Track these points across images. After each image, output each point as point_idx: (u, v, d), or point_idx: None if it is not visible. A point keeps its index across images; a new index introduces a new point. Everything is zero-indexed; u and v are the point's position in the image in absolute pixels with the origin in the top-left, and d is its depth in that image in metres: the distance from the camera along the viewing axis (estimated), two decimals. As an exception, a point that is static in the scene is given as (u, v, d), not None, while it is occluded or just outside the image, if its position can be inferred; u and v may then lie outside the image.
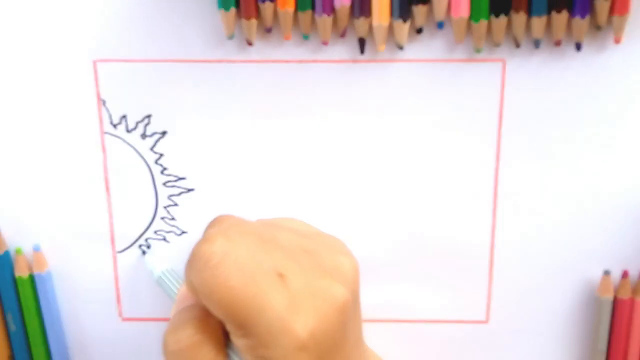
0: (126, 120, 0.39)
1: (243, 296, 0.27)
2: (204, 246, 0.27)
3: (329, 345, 0.28)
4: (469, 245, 0.40)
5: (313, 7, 0.35)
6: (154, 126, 0.39)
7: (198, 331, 0.28)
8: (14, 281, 0.40)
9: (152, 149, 0.39)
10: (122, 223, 0.40)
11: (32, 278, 0.41)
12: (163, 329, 0.41)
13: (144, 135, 0.39)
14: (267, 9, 0.35)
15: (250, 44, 0.37)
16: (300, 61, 0.37)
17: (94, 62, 0.38)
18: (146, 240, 0.41)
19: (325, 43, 0.36)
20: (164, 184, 0.40)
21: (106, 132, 0.39)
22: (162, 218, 0.40)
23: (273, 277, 0.28)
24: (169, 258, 0.41)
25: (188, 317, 0.29)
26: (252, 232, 0.29)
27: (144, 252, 0.40)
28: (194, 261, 0.27)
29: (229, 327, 0.28)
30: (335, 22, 0.36)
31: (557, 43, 0.36)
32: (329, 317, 0.28)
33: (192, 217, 0.40)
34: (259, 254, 0.28)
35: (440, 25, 0.36)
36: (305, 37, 0.36)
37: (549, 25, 0.35)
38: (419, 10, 0.35)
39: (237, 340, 0.28)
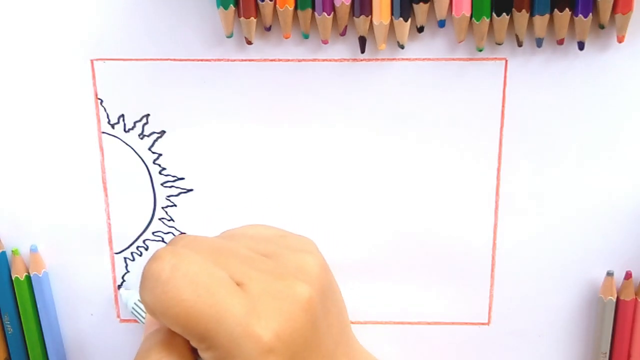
0: (124, 120, 0.38)
1: (198, 308, 0.26)
2: (152, 265, 0.27)
3: (299, 346, 0.27)
4: (471, 247, 0.40)
5: (313, 6, 0.35)
6: (152, 126, 0.38)
7: (164, 355, 0.28)
8: (11, 282, 0.40)
9: (150, 148, 0.39)
10: (119, 224, 0.40)
11: (29, 279, 0.40)
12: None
13: (142, 135, 0.39)
14: (266, 7, 0.35)
15: (249, 43, 0.36)
16: (300, 60, 0.37)
17: (92, 61, 0.37)
18: (144, 241, 0.40)
19: (325, 42, 0.36)
20: (163, 184, 0.39)
21: (104, 132, 0.39)
22: (161, 219, 0.40)
23: (229, 286, 0.27)
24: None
25: (153, 342, 0.29)
26: (205, 245, 0.29)
27: (119, 287, 0.41)
28: (145, 281, 0.27)
29: (192, 342, 0.27)
30: (335, 20, 0.36)
31: (560, 42, 0.36)
32: (294, 317, 0.27)
33: (191, 218, 0.40)
34: (211, 266, 0.28)
35: (441, 23, 0.35)
36: (305, 36, 0.36)
37: (551, 24, 0.35)
38: (420, 9, 0.35)
39: (203, 354, 0.27)
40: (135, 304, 0.36)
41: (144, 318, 0.36)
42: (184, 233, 0.40)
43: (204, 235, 0.31)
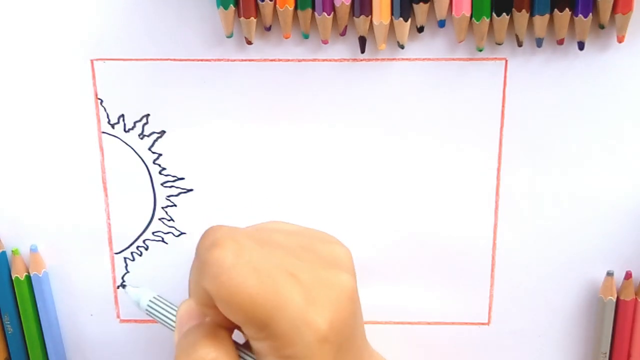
0: (124, 120, 0.38)
1: (263, 296, 0.27)
2: (215, 251, 0.27)
3: (345, 335, 0.28)
4: (471, 247, 0.40)
5: (313, 6, 0.35)
6: (152, 126, 0.38)
7: (212, 349, 0.28)
8: (11, 282, 0.40)
9: (150, 148, 0.39)
10: (119, 224, 0.40)
11: (29, 279, 0.40)
12: (161, 331, 0.42)
13: (142, 135, 0.39)
14: (266, 7, 0.35)
15: (249, 43, 0.36)
16: (300, 60, 0.37)
17: (92, 61, 0.37)
18: (144, 241, 0.40)
19: (325, 42, 0.36)
20: (163, 184, 0.39)
21: (104, 132, 0.39)
22: (161, 219, 0.40)
23: (287, 274, 0.28)
24: (168, 260, 0.40)
25: (199, 336, 0.29)
26: (252, 236, 0.29)
27: (122, 286, 0.40)
28: (207, 268, 0.27)
29: (249, 331, 0.27)
30: (335, 20, 0.36)
31: (560, 42, 0.36)
32: (343, 306, 0.28)
33: (191, 218, 0.40)
34: (268, 254, 0.28)
35: (441, 23, 0.35)
36: (305, 36, 0.36)
37: (551, 24, 0.35)
38: (420, 9, 0.35)
39: (258, 344, 0.28)
40: (150, 301, 0.35)
41: (163, 315, 0.35)
42: (184, 233, 0.40)
43: (239, 227, 0.31)
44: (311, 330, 0.27)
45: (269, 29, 0.36)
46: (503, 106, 0.37)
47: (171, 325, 0.35)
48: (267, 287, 0.27)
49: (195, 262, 0.29)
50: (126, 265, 0.41)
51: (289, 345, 0.27)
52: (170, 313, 0.35)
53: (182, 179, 0.39)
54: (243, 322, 0.27)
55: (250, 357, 0.30)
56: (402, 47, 0.36)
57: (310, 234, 0.32)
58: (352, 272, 0.31)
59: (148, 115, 0.38)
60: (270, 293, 0.27)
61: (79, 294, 0.41)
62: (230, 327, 0.30)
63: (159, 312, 0.35)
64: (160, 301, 0.35)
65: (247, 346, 0.30)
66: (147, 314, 0.36)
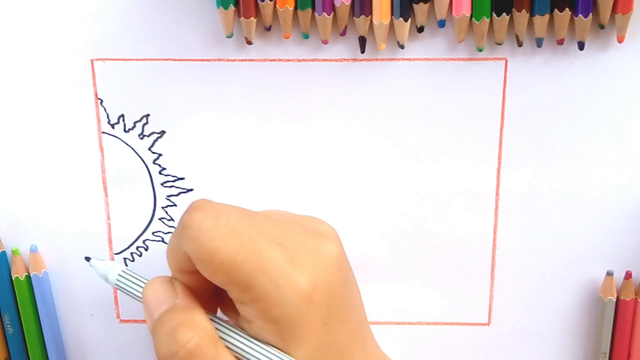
0: (124, 120, 0.38)
1: (243, 255, 0.27)
2: (193, 214, 0.27)
3: (334, 300, 0.28)
4: (471, 247, 0.40)
5: (313, 6, 0.35)
6: (152, 126, 0.38)
7: (193, 333, 0.27)
8: (11, 282, 0.40)
9: (150, 148, 0.39)
10: (119, 224, 0.40)
11: (29, 279, 0.40)
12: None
13: (142, 135, 0.39)
14: (266, 7, 0.35)
15: (249, 43, 0.36)
16: (300, 60, 0.37)
17: (92, 61, 0.37)
18: (144, 242, 0.40)
19: (325, 42, 0.36)
20: (163, 184, 0.39)
21: (104, 132, 0.39)
22: (161, 219, 0.40)
23: (269, 237, 0.28)
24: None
25: (175, 322, 0.28)
26: (236, 207, 0.29)
27: (87, 259, 0.36)
28: (187, 230, 0.27)
29: (234, 294, 0.27)
30: (335, 20, 0.36)
31: (560, 42, 0.36)
32: (328, 271, 0.28)
33: (191, 218, 0.40)
34: (248, 218, 0.28)
35: (441, 23, 0.35)
36: (305, 36, 0.36)
37: (551, 24, 0.35)
38: (420, 9, 0.35)
39: (244, 309, 0.27)
40: (120, 275, 0.33)
41: (133, 289, 0.34)
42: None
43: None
44: (294, 289, 0.27)
45: (269, 29, 0.36)
46: (503, 106, 0.37)
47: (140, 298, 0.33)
48: (248, 247, 0.27)
49: (176, 229, 0.29)
50: (126, 266, 0.41)
51: (273, 306, 0.27)
52: (141, 286, 0.33)
53: (182, 179, 0.39)
54: (226, 284, 0.27)
55: (230, 329, 0.29)
56: (402, 47, 0.36)
57: (300, 217, 0.33)
58: (338, 243, 0.30)
59: (148, 115, 0.38)
60: (251, 253, 0.27)
61: (79, 294, 0.41)
62: (206, 293, 0.30)
63: (129, 286, 0.33)
64: (129, 274, 0.34)
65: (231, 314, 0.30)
66: (116, 287, 0.34)
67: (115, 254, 0.41)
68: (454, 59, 0.37)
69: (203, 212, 0.27)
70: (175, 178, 0.39)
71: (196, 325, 0.28)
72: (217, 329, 0.29)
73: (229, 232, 0.27)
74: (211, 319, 0.29)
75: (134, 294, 0.33)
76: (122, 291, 0.34)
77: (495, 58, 0.37)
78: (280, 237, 0.28)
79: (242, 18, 0.35)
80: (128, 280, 0.33)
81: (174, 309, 0.29)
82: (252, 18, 0.35)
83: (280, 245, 0.28)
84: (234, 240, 0.27)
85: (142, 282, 0.33)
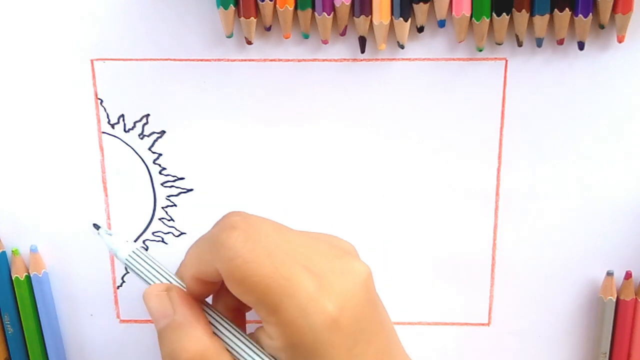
0: (124, 120, 0.38)
1: (276, 280, 0.27)
2: (231, 233, 0.28)
3: (361, 322, 0.28)
4: (471, 247, 0.40)
5: (313, 6, 0.35)
6: (152, 126, 0.38)
7: (198, 354, 0.28)
8: (11, 282, 0.40)
9: (150, 148, 0.39)
10: (119, 224, 0.40)
11: (29, 279, 0.40)
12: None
13: (142, 135, 0.39)
14: (266, 7, 0.35)
15: (249, 43, 0.36)
16: (300, 60, 0.37)
17: (92, 61, 0.37)
18: (144, 242, 0.40)
19: (325, 42, 0.36)
20: (163, 184, 0.39)
21: (104, 132, 0.39)
22: (161, 219, 0.40)
23: (300, 261, 0.28)
24: (168, 260, 0.40)
25: (179, 342, 0.29)
26: (269, 223, 0.30)
27: (96, 227, 0.36)
28: (222, 250, 0.27)
29: (260, 313, 0.28)
30: (335, 20, 0.36)
31: (560, 42, 0.36)
32: (356, 292, 0.28)
33: (191, 218, 0.40)
34: (282, 241, 0.29)
35: (441, 23, 0.35)
36: (305, 36, 0.36)
37: (551, 24, 0.35)
38: (420, 9, 0.35)
39: (269, 328, 0.28)
40: (129, 256, 0.34)
41: (141, 272, 0.33)
42: (184, 233, 0.40)
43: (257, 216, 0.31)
44: (320, 315, 0.27)
45: (269, 29, 0.36)
46: (503, 106, 0.37)
47: (150, 281, 0.33)
48: (281, 272, 0.27)
49: (208, 241, 0.29)
50: (126, 267, 0.41)
51: (298, 332, 0.27)
52: (150, 271, 0.33)
53: (182, 179, 0.39)
54: (254, 304, 0.27)
55: (240, 338, 0.30)
56: (402, 47, 0.36)
57: (314, 232, 0.33)
58: (365, 263, 0.31)
59: (148, 115, 0.38)
60: (283, 278, 0.27)
61: (79, 294, 0.41)
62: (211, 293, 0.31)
63: (139, 267, 0.34)
64: (140, 256, 0.34)
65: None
66: (125, 265, 0.34)
67: (115, 254, 0.41)
68: (454, 59, 0.37)
69: (240, 232, 0.27)
70: (175, 178, 0.39)
71: (192, 347, 0.28)
72: (224, 336, 0.30)
73: (265, 255, 0.27)
74: (220, 326, 0.30)
75: (143, 275, 0.33)
76: (131, 270, 0.34)
77: (495, 58, 0.37)
78: (310, 258, 0.29)
79: (242, 18, 0.35)
80: (137, 262, 0.33)
81: (171, 328, 0.29)
82: (252, 18, 0.35)
83: (310, 268, 0.28)
84: (269, 265, 0.27)
85: (151, 270, 0.33)
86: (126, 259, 0.34)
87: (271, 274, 0.27)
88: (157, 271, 0.33)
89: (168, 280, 0.32)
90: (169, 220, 0.40)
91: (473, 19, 0.35)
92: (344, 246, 0.32)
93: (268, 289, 0.27)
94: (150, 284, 0.33)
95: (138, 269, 0.33)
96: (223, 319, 0.30)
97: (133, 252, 0.34)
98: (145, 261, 0.33)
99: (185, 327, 0.29)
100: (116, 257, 0.34)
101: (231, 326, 0.30)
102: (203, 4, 0.36)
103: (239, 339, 0.30)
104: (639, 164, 0.38)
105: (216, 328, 0.30)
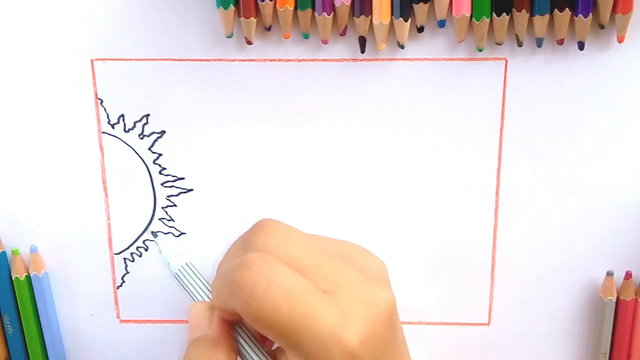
0: (124, 120, 0.38)
1: (294, 319, 0.27)
2: (246, 274, 0.27)
3: (380, 351, 0.28)
4: (471, 247, 0.40)
5: (313, 6, 0.35)
6: (152, 126, 0.38)
7: None
8: (11, 282, 0.40)
9: (150, 148, 0.39)
10: (119, 224, 0.40)
11: (29, 279, 0.40)
12: (161, 331, 0.42)
13: (142, 135, 0.39)
14: (266, 7, 0.35)
15: (249, 43, 0.36)
16: (300, 60, 0.37)
17: (92, 61, 0.37)
18: (144, 242, 0.40)
19: (325, 42, 0.36)
20: (163, 184, 0.39)
21: (104, 132, 0.39)
22: (161, 219, 0.40)
23: (320, 295, 0.28)
24: (167, 260, 0.40)
25: (197, 354, 0.30)
26: (299, 246, 0.30)
27: (154, 235, 0.39)
28: (237, 291, 0.28)
29: (281, 346, 0.28)
30: (335, 20, 0.36)
31: (560, 42, 0.36)
32: (379, 323, 0.28)
33: (191, 218, 0.40)
34: (301, 272, 0.28)
35: (441, 23, 0.35)
36: (305, 36, 0.36)
37: (551, 24, 0.35)
38: (420, 9, 0.35)
39: (291, 356, 0.28)
40: (179, 270, 0.36)
41: (189, 284, 0.35)
42: (184, 233, 0.40)
43: (292, 228, 0.31)
44: (341, 347, 0.27)
45: (269, 29, 0.36)
46: (503, 106, 0.37)
47: (194, 297, 0.35)
48: (299, 311, 0.27)
49: (224, 278, 0.29)
50: (126, 266, 0.41)
51: None
52: (198, 285, 0.35)
53: (182, 179, 0.39)
54: (274, 339, 0.28)
55: (258, 353, 0.30)
56: (402, 47, 0.36)
57: (346, 244, 0.33)
58: (389, 286, 0.31)
59: (148, 115, 0.38)
60: (301, 316, 0.27)
61: (79, 294, 0.41)
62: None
63: (187, 281, 0.36)
64: (191, 269, 0.36)
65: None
66: (174, 277, 0.36)
67: (115, 254, 0.41)
68: (454, 59, 0.37)
69: (254, 272, 0.27)
70: (175, 178, 0.39)
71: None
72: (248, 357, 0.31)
73: (280, 296, 0.27)
74: (247, 348, 0.30)
75: (189, 290, 0.36)
76: (179, 282, 0.36)
77: (495, 58, 0.37)
78: (335, 283, 0.28)
79: (242, 18, 0.35)
80: (188, 274, 0.36)
81: (201, 341, 0.30)
82: (252, 18, 0.35)
83: (332, 296, 0.28)
84: (284, 305, 0.27)
85: (198, 285, 0.35)
86: (176, 273, 0.36)
87: (288, 313, 0.27)
88: (201, 288, 0.35)
89: (209, 298, 0.34)
90: (169, 220, 0.40)
91: (473, 19, 0.35)
92: (373, 269, 0.31)
93: (286, 328, 0.27)
94: (193, 297, 0.35)
95: (185, 283, 0.36)
96: (253, 342, 0.31)
97: (183, 266, 0.36)
98: (191, 276, 0.36)
99: (215, 343, 0.30)
100: (167, 267, 0.37)
101: (258, 349, 0.31)
102: (203, 4, 0.36)
103: None
104: (639, 163, 0.38)
105: (244, 349, 0.31)
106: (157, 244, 0.37)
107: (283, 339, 0.27)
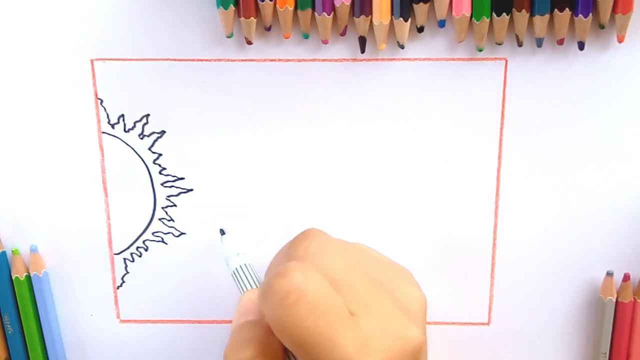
0: (124, 120, 0.38)
1: (316, 337, 0.27)
2: (280, 281, 0.27)
3: None
4: (471, 247, 0.40)
5: (313, 6, 0.35)
6: (152, 126, 0.38)
7: (259, 353, 0.29)
8: (11, 282, 0.40)
9: (150, 148, 0.39)
10: (119, 224, 0.40)
11: (29, 279, 0.40)
12: (161, 331, 0.42)
13: (142, 135, 0.39)
14: (266, 7, 0.35)
15: (249, 43, 0.36)
16: (300, 60, 0.37)
17: (92, 61, 0.37)
18: (144, 242, 0.40)
19: (325, 42, 0.36)
20: (163, 184, 0.39)
21: (104, 132, 0.39)
22: (161, 219, 0.40)
23: (346, 318, 0.28)
24: (168, 260, 0.40)
25: (251, 336, 0.29)
26: (334, 259, 0.29)
27: (222, 232, 0.39)
28: (269, 295, 0.27)
29: (299, 357, 0.28)
30: (335, 20, 0.36)
31: (560, 42, 0.36)
32: (402, 358, 0.28)
33: (191, 218, 0.40)
34: (334, 293, 0.28)
35: (441, 23, 0.35)
36: (305, 36, 0.36)
37: (551, 24, 0.35)
38: (420, 9, 0.35)
39: None
40: (236, 270, 0.36)
41: (242, 285, 0.36)
42: (184, 233, 0.40)
43: (337, 240, 0.31)
44: None
45: (269, 29, 0.36)
46: (503, 106, 0.37)
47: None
48: (321, 330, 0.27)
49: (263, 282, 0.29)
50: (126, 267, 0.41)
51: None
52: (251, 285, 0.36)
53: (182, 179, 0.39)
54: (292, 350, 0.28)
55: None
56: (402, 47, 0.36)
57: (391, 268, 0.32)
58: (423, 323, 0.31)
59: (148, 115, 0.38)
60: (323, 337, 0.27)
61: (79, 294, 0.41)
62: None
63: (242, 281, 0.36)
64: (247, 271, 0.37)
65: None
66: (232, 275, 0.37)
67: (115, 254, 0.41)
68: (454, 59, 0.37)
69: (289, 282, 0.27)
70: (175, 178, 0.39)
71: (268, 350, 0.29)
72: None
73: (308, 311, 0.27)
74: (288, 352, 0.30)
75: (242, 289, 0.36)
76: (235, 281, 0.37)
77: (495, 58, 0.37)
78: (363, 307, 0.28)
79: (242, 18, 0.35)
80: (244, 274, 0.37)
81: (255, 324, 0.30)
82: (252, 18, 0.35)
83: (358, 323, 0.28)
84: (309, 321, 0.27)
85: (251, 285, 0.36)
86: (233, 272, 0.37)
87: (310, 330, 0.27)
88: (253, 288, 0.36)
89: None
90: (168, 220, 0.40)
91: (473, 19, 0.35)
92: (410, 302, 0.31)
93: (306, 343, 0.27)
94: None
95: (239, 282, 0.36)
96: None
97: (240, 266, 0.37)
98: (247, 277, 0.36)
99: (258, 326, 0.30)
100: (226, 264, 0.37)
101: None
102: (203, 4, 0.36)
103: None
104: (639, 163, 0.38)
105: None
106: (222, 242, 0.38)
107: (300, 353, 0.27)
